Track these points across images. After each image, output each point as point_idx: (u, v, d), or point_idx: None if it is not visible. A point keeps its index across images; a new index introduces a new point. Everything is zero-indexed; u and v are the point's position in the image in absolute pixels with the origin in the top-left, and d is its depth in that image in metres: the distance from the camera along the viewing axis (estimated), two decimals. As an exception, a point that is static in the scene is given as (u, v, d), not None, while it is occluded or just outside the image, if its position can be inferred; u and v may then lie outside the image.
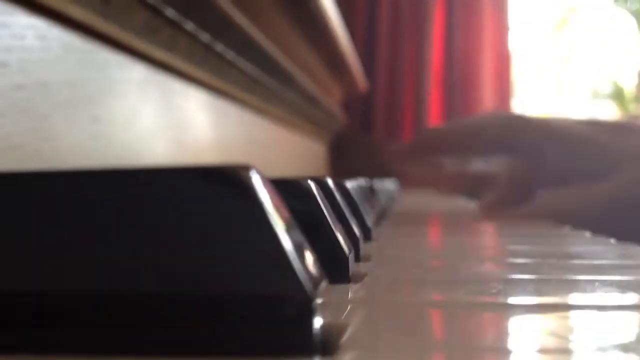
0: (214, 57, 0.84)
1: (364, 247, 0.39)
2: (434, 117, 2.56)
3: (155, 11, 0.63)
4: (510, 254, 0.41)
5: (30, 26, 0.45)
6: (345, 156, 2.18)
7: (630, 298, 0.26)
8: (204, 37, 0.77)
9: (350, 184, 0.50)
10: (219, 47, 0.83)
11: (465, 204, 1.05)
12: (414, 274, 0.33)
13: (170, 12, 0.65)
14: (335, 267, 0.28)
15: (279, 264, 0.18)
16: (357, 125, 2.51)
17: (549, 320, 0.22)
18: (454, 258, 0.39)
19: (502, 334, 0.21)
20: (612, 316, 0.23)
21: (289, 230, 0.19)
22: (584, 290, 0.27)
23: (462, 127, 0.79)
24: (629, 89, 3.30)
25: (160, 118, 0.69)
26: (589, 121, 0.76)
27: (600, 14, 3.34)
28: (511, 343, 0.20)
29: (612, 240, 0.46)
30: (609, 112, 3.27)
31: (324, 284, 0.20)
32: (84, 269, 0.19)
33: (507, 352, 0.18)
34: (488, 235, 0.56)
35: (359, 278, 0.29)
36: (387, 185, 1.18)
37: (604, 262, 0.36)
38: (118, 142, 0.58)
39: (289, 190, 0.29)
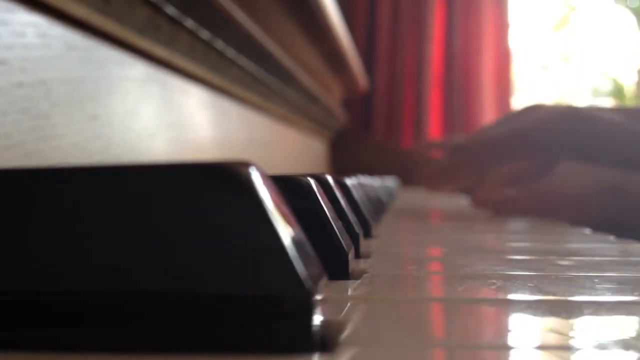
0: (215, 55, 0.84)
1: (363, 243, 0.39)
2: (434, 116, 2.56)
3: (156, 8, 0.63)
4: (510, 251, 0.41)
5: (30, 24, 0.45)
6: (345, 154, 2.18)
7: (630, 295, 0.26)
8: (205, 34, 0.77)
9: (350, 181, 0.50)
10: (220, 44, 0.83)
11: (464, 201, 1.05)
12: (414, 270, 0.33)
13: (170, 10, 0.65)
14: (335, 264, 0.28)
15: (278, 260, 0.18)
16: (357, 124, 2.51)
17: (549, 317, 0.22)
18: (454, 255, 0.39)
19: (502, 330, 0.21)
20: (612, 313, 0.23)
21: (288, 226, 0.19)
22: (584, 287, 0.27)
23: (516, 132, 0.71)
24: (629, 87, 3.30)
25: (161, 116, 0.69)
26: (624, 110, 0.73)
27: (601, 12, 3.34)
28: (511, 340, 0.20)
29: (612, 238, 0.47)
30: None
31: (323, 281, 0.20)
32: (81, 266, 0.19)
33: (507, 349, 0.18)
34: (488, 231, 0.56)
35: (358, 275, 0.29)
36: (387, 182, 1.18)
37: (603, 258, 0.36)
38: (118, 141, 0.58)
39: (289, 187, 0.29)
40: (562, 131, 0.67)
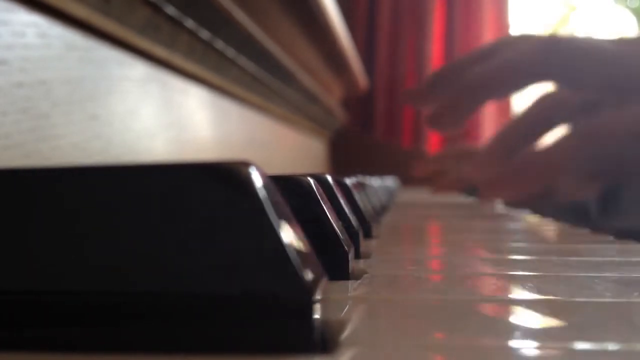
0: (215, 55, 0.84)
1: (363, 243, 0.39)
2: (434, 115, 2.56)
3: (156, 8, 0.63)
4: (510, 251, 0.41)
5: (30, 24, 0.45)
6: (345, 154, 2.18)
7: (630, 295, 0.26)
8: (205, 34, 0.77)
9: (350, 181, 0.50)
10: (220, 44, 0.83)
11: (464, 201, 1.05)
12: (414, 270, 0.33)
13: (170, 10, 0.65)
14: (335, 264, 0.28)
15: (278, 260, 0.18)
16: (357, 124, 2.51)
17: (549, 317, 0.22)
18: (454, 255, 0.39)
19: (502, 330, 0.21)
20: (612, 313, 0.23)
21: (288, 226, 0.19)
22: (584, 287, 0.27)
23: (495, 66, 0.64)
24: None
25: (161, 116, 0.69)
26: (616, 40, 0.69)
27: (601, 12, 3.34)
28: (511, 340, 0.20)
29: (612, 238, 0.47)
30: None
31: (323, 281, 0.20)
32: (80, 266, 0.19)
33: (507, 349, 0.18)
34: (488, 231, 0.56)
35: (358, 275, 0.29)
36: (387, 182, 1.18)
37: (603, 259, 0.36)
38: (118, 141, 0.58)
39: (289, 187, 0.29)
40: (547, 62, 0.63)
